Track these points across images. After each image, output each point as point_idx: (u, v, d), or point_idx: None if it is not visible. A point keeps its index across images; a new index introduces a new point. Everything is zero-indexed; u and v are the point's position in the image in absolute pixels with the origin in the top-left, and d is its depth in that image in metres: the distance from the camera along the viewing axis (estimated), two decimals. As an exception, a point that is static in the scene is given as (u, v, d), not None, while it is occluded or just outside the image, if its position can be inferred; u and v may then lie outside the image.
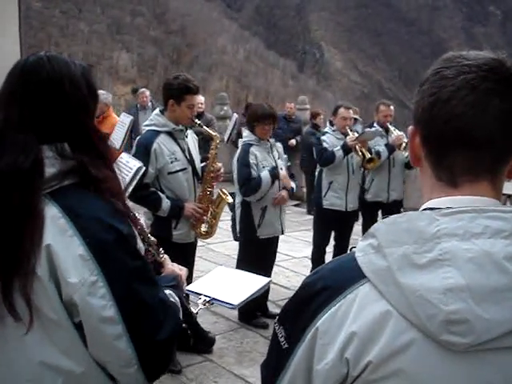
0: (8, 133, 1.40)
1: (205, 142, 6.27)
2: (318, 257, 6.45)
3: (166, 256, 1.82)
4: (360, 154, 6.07)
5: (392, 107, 6.81)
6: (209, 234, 4.65)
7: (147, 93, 10.80)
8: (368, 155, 6.11)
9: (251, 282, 2.35)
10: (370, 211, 6.81)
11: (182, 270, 1.85)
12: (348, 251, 1.09)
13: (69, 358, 1.37)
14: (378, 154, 6.35)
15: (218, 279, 2.39)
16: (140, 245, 1.47)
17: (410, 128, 1.08)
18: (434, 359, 0.91)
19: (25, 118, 1.41)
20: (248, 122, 5.30)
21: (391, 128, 6.62)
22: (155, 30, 59.20)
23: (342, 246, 6.50)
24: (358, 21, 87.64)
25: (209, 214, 4.54)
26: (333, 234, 6.52)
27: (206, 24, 64.55)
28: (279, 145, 5.51)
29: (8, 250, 1.34)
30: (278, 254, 5.76)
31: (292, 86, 71.50)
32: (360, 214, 7.10)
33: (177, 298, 1.59)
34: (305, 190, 11.20)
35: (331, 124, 6.42)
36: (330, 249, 6.61)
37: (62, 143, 1.44)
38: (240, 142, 5.35)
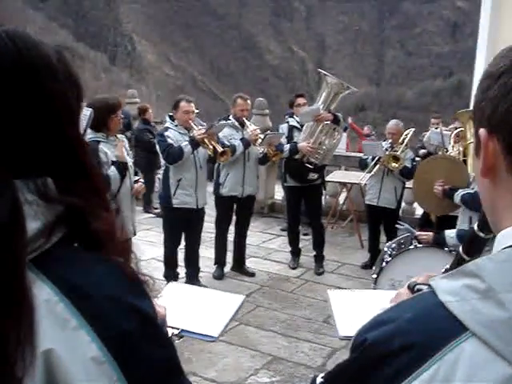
0: None
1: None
2: (171, 258, 6.23)
3: None
4: (211, 147, 5.84)
5: (249, 101, 6.73)
6: None
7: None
8: (219, 148, 5.90)
9: (222, 303, 1.87)
10: (225, 206, 6.74)
11: (161, 308, 1.43)
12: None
13: None
14: (234, 147, 6.24)
15: (177, 301, 1.85)
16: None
17: (482, 131, 0.82)
18: None
19: None
20: (98, 117, 4.38)
21: (247, 122, 6.56)
22: (-50, 19, 54.51)
23: (193, 245, 6.33)
24: (169, 13, 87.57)
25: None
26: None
27: (8, 14, 60.82)
28: (125, 139, 5.06)
29: None
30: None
31: (104, 78, 70.01)
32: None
33: None
34: (139, 186, 10.69)
35: (172, 119, 6.06)
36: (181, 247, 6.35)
37: (44, 177, 0.86)
38: None
